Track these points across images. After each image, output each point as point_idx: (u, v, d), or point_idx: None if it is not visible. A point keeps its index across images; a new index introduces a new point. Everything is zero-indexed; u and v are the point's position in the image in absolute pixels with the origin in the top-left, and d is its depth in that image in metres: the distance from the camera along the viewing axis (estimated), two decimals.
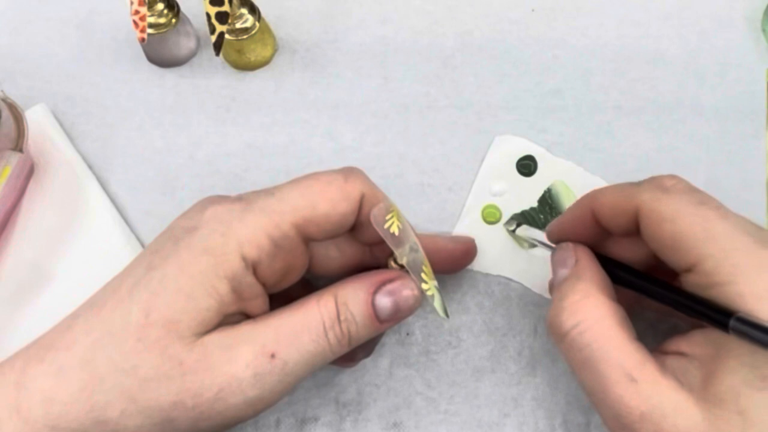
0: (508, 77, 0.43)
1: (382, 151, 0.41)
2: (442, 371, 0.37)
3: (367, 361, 0.37)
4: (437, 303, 0.31)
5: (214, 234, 0.29)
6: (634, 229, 0.31)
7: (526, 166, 0.40)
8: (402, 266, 0.31)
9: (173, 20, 0.41)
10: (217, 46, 0.39)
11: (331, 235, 0.31)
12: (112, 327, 0.28)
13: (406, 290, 0.30)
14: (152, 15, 0.40)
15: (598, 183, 0.40)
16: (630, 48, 0.43)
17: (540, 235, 0.36)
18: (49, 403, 0.28)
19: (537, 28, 0.44)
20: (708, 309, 0.28)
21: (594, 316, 0.29)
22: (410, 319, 0.38)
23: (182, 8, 0.41)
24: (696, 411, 0.27)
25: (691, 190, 0.30)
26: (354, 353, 0.33)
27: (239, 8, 0.40)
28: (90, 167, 0.41)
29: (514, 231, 0.38)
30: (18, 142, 0.40)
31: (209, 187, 0.41)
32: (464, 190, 0.40)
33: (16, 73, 0.43)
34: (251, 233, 0.29)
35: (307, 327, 0.29)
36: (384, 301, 0.30)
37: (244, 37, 0.40)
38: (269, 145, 0.42)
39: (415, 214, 0.40)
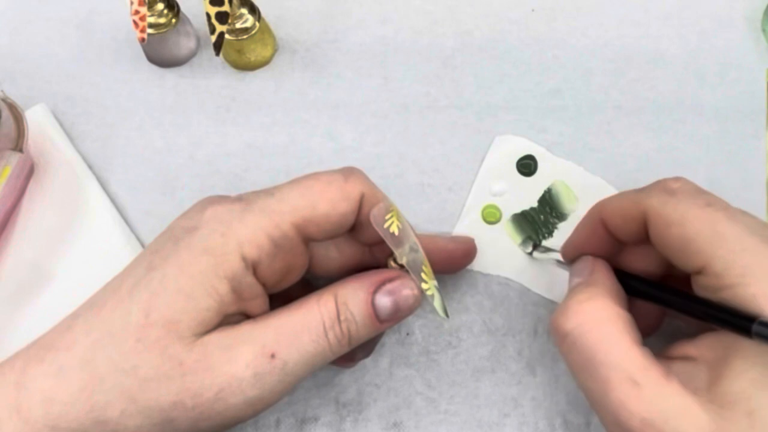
0: (508, 77, 0.43)
1: (382, 151, 0.41)
2: (442, 371, 0.37)
3: (367, 361, 0.37)
4: (437, 303, 0.31)
5: (214, 234, 0.29)
6: (645, 236, 0.30)
7: (526, 166, 0.40)
8: (402, 266, 0.31)
9: (173, 20, 0.41)
10: (217, 46, 0.39)
11: (331, 235, 0.31)
12: (112, 327, 0.28)
13: (406, 290, 0.30)
14: (152, 15, 0.40)
15: (598, 183, 0.40)
16: (630, 48, 0.43)
17: (558, 255, 0.36)
18: (49, 403, 0.28)
19: (537, 28, 0.44)
20: (727, 314, 0.27)
21: (597, 317, 0.29)
22: (410, 319, 0.38)
23: (182, 8, 0.41)
24: (702, 414, 0.26)
25: (698, 192, 0.30)
26: (353, 353, 0.33)
27: (239, 8, 0.40)
28: (90, 167, 0.41)
29: (531, 253, 0.38)
30: (18, 142, 0.40)
31: (209, 187, 0.41)
32: (464, 190, 0.40)
33: (16, 73, 0.43)
34: (251, 233, 0.29)
35: (307, 327, 0.29)
36: (384, 301, 0.30)
37: (244, 37, 0.40)
38: (269, 145, 0.42)
39: (415, 214, 0.40)
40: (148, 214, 0.40)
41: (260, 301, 0.30)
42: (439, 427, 0.36)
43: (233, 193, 0.31)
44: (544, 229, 0.39)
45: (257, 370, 0.28)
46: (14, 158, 0.39)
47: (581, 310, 0.29)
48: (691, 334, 0.30)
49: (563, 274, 0.38)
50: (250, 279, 0.29)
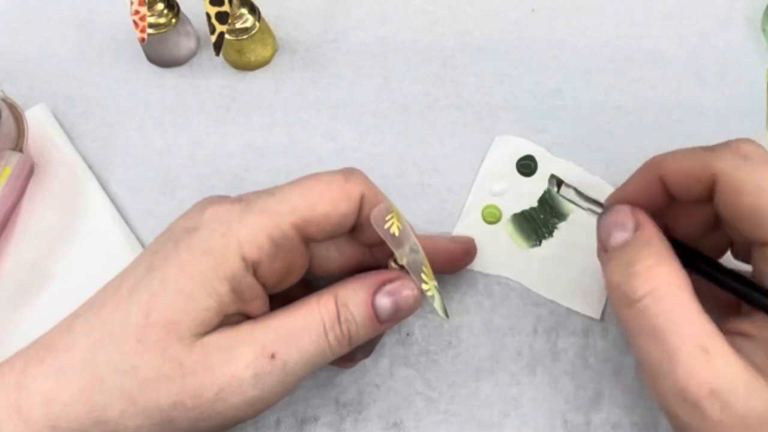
0: (508, 77, 0.43)
1: (382, 151, 0.41)
2: (442, 371, 0.37)
3: (367, 361, 0.37)
4: (437, 303, 0.31)
5: (214, 234, 0.29)
6: (706, 197, 0.29)
7: (526, 166, 0.40)
8: (402, 267, 0.31)
9: (173, 20, 0.41)
10: (217, 46, 0.39)
11: (331, 236, 0.31)
12: (112, 328, 0.28)
13: (406, 290, 0.30)
14: (152, 15, 0.40)
15: (598, 183, 0.40)
16: (630, 48, 0.43)
17: (590, 193, 0.33)
18: (50, 403, 0.28)
19: (537, 28, 0.44)
20: None
21: (669, 283, 0.27)
22: (410, 319, 0.38)
23: (182, 8, 0.41)
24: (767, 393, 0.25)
25: None
26: (353, 354, 0.33)
27: (239, 8, 0.40)
28: (90, 167, 0.41)
29: (558, 191, 0.34)
30: (18, 142, 0.40)
31: (209, 187, 0.41)
32: (464, 190, 0.40)
33: (16, 73, 0.43)
34: (251, 234, 0.29)
35: (307, 327, 0.29)
36: (384, 302, 0.30)
37: (244, 37, 0.40)
38: (269, 145, 0.42)
39: (415, 214, 0.40)
40: (148, 214, 0.40)
41: (260, 302, 0.30)
42: (439, 427, 0.36)
43: (233, 193, 0.31)
44: (544, 229, 0.39)
45: (257, 371, 0.28)
46: (14, 158, 0.39)
47: (653, 275, 0.28)
48: (745, 311, 0.29)
49: (563, 274, 0.38)
50: (250, 279, 0.29)
